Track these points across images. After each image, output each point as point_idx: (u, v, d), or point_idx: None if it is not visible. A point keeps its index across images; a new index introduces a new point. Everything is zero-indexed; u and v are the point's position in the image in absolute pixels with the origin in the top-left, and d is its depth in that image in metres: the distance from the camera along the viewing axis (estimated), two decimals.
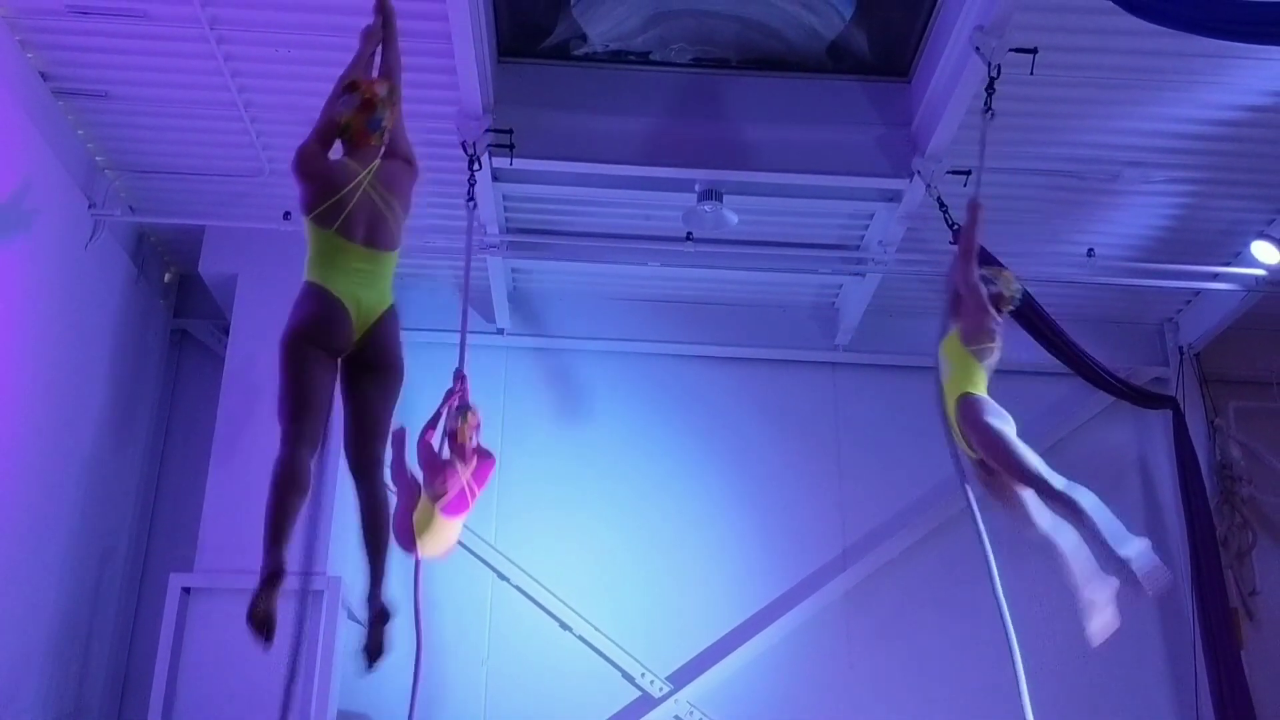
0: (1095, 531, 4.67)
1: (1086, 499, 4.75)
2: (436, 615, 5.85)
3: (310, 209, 3.88)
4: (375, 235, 3.86)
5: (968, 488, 5.51)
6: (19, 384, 6.53)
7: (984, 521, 5.55)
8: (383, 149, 4.03)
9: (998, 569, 8.04)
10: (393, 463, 5.87)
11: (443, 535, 5.89)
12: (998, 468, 4.99)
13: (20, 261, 6.46)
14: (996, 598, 5.46)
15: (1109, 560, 4.70)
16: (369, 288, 3.81)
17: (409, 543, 5.80)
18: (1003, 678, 8.12)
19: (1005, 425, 4.99)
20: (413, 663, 5.79)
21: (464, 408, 5.90)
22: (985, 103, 5.63)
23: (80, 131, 7.01)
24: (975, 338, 5.16)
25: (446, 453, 5.90)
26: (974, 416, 5.00)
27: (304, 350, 3.62)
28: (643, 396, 8.76)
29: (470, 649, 7.98)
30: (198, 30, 6.11)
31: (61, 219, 6.92)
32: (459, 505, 5.85)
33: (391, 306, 3.86)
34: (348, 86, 4.05)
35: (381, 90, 4.06)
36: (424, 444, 5.90)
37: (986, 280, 5.28)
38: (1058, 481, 4.80)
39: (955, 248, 6.68)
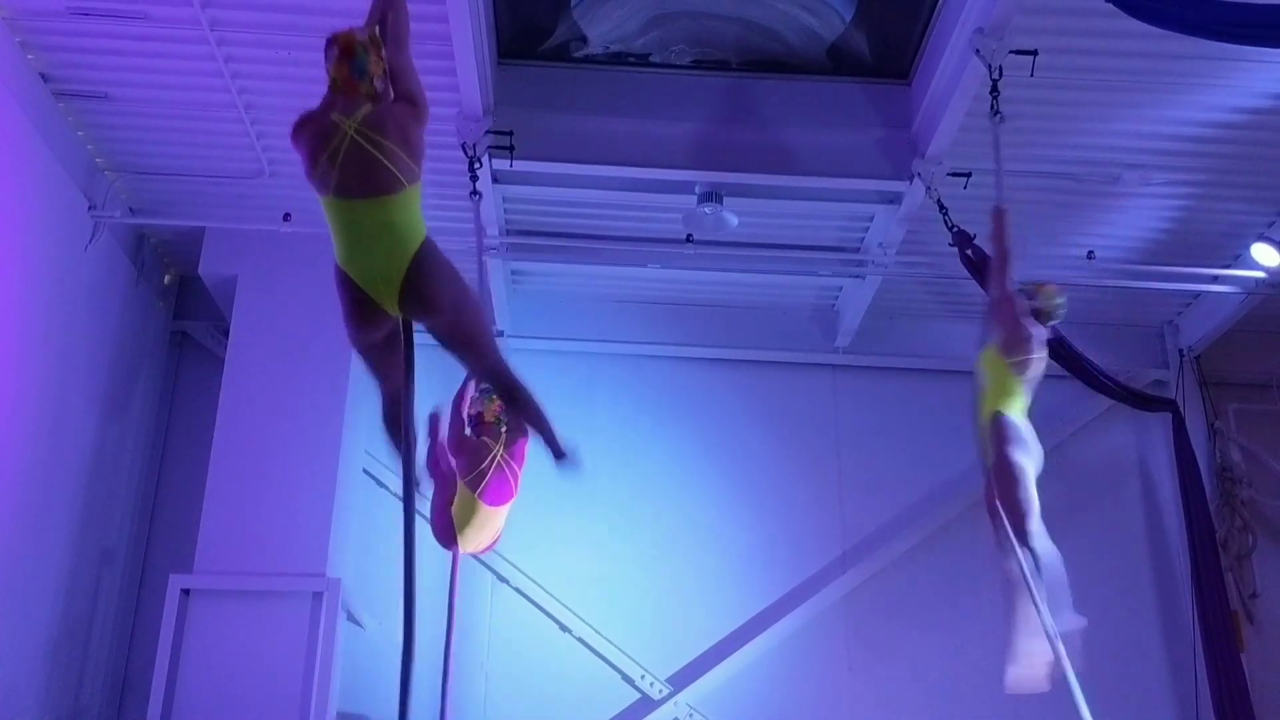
0: (1037, 590, 4.71)
1: (1050, 559, 4.79)
2: (436, 617, 5.79)
3: (308, 176, 3.81)
4: (369, 184, 3.66)
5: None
6: (18, 385, 6.52)
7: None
8: (378, 95, 3.85)
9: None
10: (428, 452, 5.74)
11: (486, 528, 5.69)
12: (999, 493, 5.02)
13: (20, 263, 6.45)
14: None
15: (1036, 621, 4.75)
16: (371, 250, 3.67)
17: (448, 538, 5.63)
18: (1000, 681, 8.19)
19: (1027, 460, 4.97)
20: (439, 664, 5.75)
21: (488, 390, 5.63)
22: (992, 106, 5.61)
23: (80, 133, 7.01)
24: (1012, 349, 5.07)
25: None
26: (1000, 442, 4.98)
27: (353, 335, 3.91)
28: (642, 399, 8.75)
29: (470, 651, 7.96)
30: (198, 32, 6.10)
31: (61, 221, 6.92)
32: (501, 491, 5.62)
33: (414, 258, 3.67)
34: (327, 43, 3.88)
35: (360, 35, 3.89)
36: (454, 427, 5.71)
37: (1027, 295, 5.22)
38: (1038, 538, 4.82)
39: (955, 246, 6.74)
